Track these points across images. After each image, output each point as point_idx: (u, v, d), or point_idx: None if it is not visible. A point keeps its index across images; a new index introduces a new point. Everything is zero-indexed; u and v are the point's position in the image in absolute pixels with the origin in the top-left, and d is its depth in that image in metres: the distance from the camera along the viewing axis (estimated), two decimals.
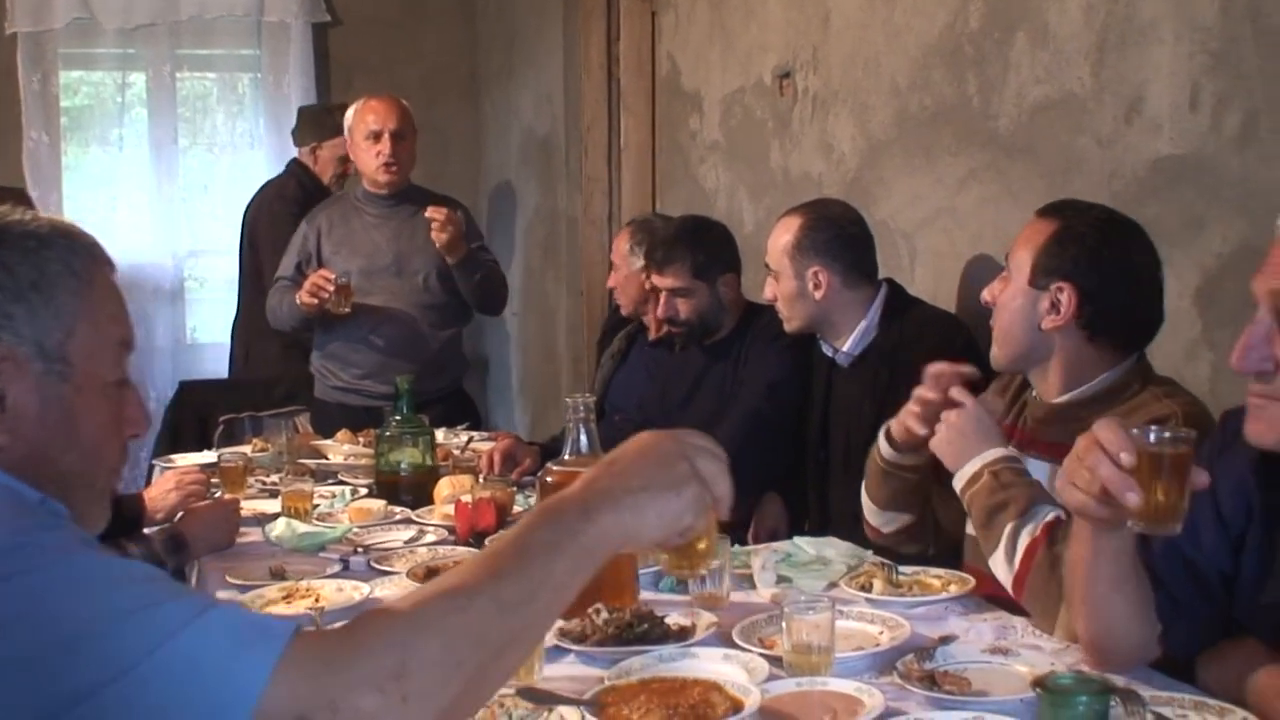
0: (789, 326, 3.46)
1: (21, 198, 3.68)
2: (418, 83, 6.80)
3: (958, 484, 2.45)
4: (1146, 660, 1.99)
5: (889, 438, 2.72)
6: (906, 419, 2.62)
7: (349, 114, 4.95)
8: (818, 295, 3.35)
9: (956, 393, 2.50)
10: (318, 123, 5.81)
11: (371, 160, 4.79)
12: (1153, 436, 1.75)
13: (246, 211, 5.86)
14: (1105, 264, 2.50)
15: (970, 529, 2.52)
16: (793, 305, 3.41)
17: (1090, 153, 3.09)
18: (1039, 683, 0.99)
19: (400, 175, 4.84)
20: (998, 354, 2.61)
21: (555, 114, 6.32)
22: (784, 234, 3.41)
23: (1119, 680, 1.90)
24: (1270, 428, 1.79)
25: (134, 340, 1.51)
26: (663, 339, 4.24)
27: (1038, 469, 2.51)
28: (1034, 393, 2.62)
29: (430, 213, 4.66)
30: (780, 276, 3.41)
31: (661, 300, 3.81)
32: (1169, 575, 1.95)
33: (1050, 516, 2.29)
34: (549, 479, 2.39)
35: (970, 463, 2.42)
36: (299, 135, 5.86)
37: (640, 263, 4.14)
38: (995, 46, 3.39)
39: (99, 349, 1.44)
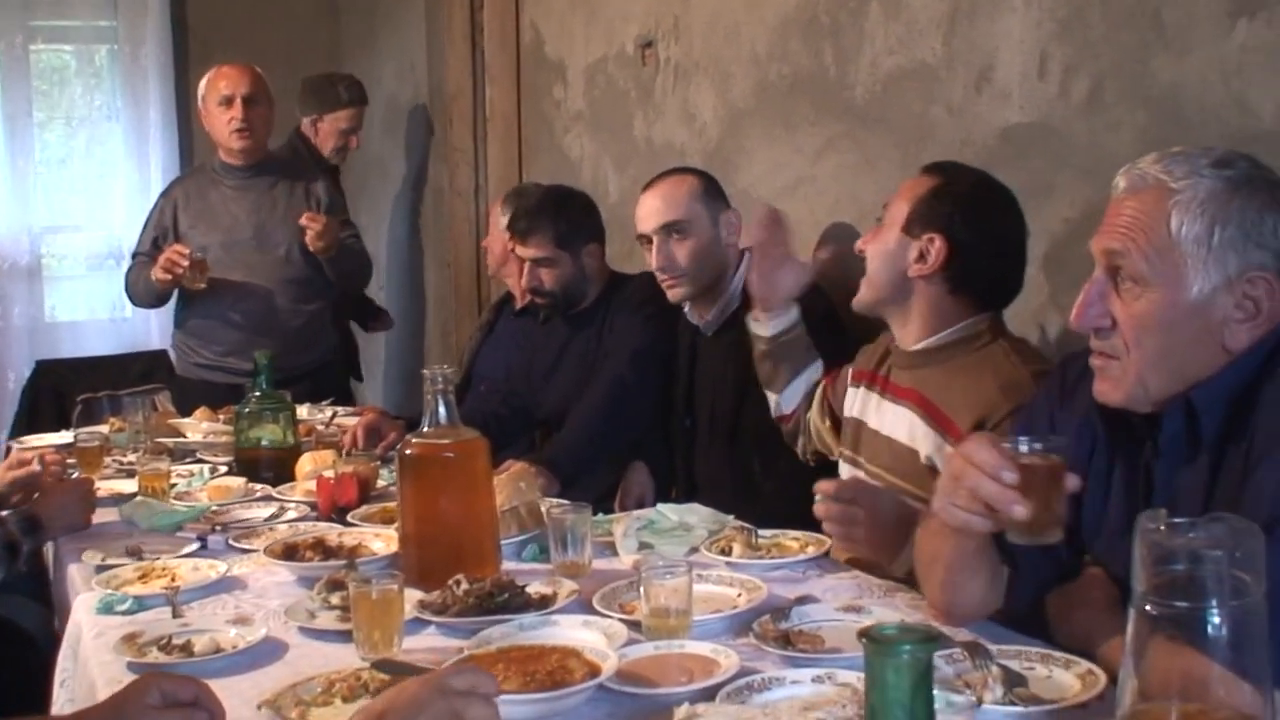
0: (688, 289, 3.40)
1: None
2: (278, 52, 6.67)
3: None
4: (990, 613, 2.06)
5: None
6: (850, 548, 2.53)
7: (203, 82, 4.85)
8: (731, 240, 3.40)
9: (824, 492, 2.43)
10: (320, 93, 5.64)
11: (224, 126, 4.70)
12: (1024, 447, 1.77)
13: None
14: (977, 223, 2.59)
15: None
16: (704, 258, 3.37)
17: (942, 121, 3.15)
18: (865, 634, 1.02)
19: (254, 142, 4.74)
20: (863, 294, 2.68)
21: (419, 83, 6.26)
22: (680, 186, 3.42)
23: (966, 634, 1.96)
24: (1115, 386, 1.84)
25: None
26: (527, 308, 4.24)
27: (897, 413, 2.61)
28: (895, 341, 2.70)
29: (305, 221, 4.63)
30: (692, 226, 3.36)
31: (525, 270, 3.80)
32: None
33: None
34: (408, 451, 2.39)
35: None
36: (301, 105, 5.65)
37: (504, 221, 4.14)
38: (850, 17, 3.44)
39: None
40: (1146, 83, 2.71)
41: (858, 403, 2.79)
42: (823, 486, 2.37)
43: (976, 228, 2.58)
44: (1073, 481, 1.79)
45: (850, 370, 2.87)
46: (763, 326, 3.04)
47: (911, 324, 2.63)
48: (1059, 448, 1.79)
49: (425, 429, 2.37)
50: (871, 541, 2.33)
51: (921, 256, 2.58)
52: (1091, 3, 2.79)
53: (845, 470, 2.77)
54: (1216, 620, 1.32)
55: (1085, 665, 1.82)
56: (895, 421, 2.63)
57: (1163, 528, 1.38)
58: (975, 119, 3.06)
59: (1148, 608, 1.36)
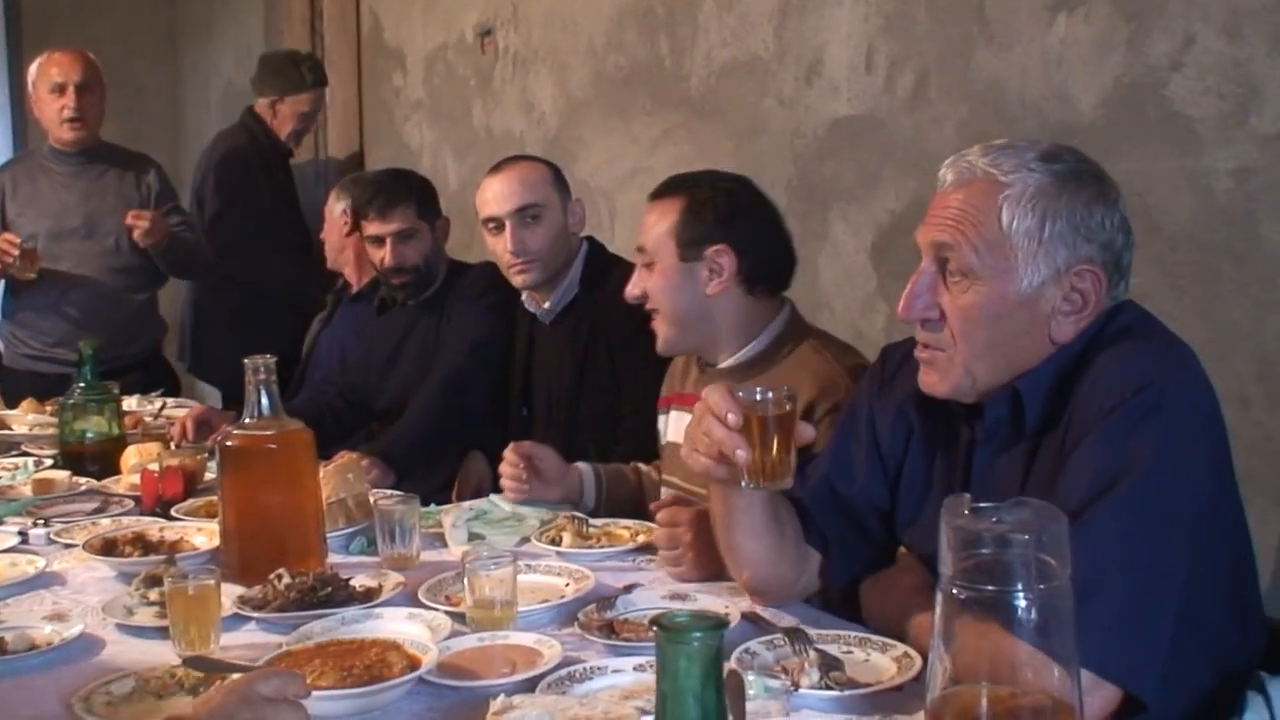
0: (539, 274, 3.35)
1: None
2: (113, 37, 6.52)
3: None
4: (807, 593, 2.09)
5: None
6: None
7: (33, 68, 4.70)
8: (576, 226, 3.36)
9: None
10: (282, 74, 5.35)
11: (55, 114, 4.57)
12: (758, 397, 1.82)
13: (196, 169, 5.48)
14: (743, 216, 2.58)
15: None
16: (556, 244, 3.33)
17: (774, 113, 3.19)
18: (655, 621, 1.02)
19: (87, 131, 4.61)
20: (668, 336, 2.61)
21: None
22: (533, 171, 3.35)
23: (787, 619, 1.99)
24: (942, 377, 1.86)
25: None
26: (362, 294, 4.20)
27: None
28: (703, 360, 2.68)
29: (130, 220, 4.51)
30: (546, 212, 3.30)
31: (389, 248, 3.73)
32: (820, 514, 2.04)
33: None
34: (229, 443, 2.34)
35: None
36: (258, 86, 5.40)
37: (340, 207, 4.09)
38: (685, 9, 3.46)
39: None
40: (969, 77, 2.78)
41: (670, 427, 2.78)
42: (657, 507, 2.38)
43: (746, 221, 2.58)
44: (806, 432, 1.84)
45: (659, 401, 2.86)
46: None
47: (721, 342, 2.60)
48: (790, 398, 1.83)
49: (247, 420, 2.33)
50: (703, 565, 2.25)
51: (713, 273, 2.54)
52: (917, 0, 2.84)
53: (667, 495, 2.73)
54: (1023, 603, 1.34)
55: (901, 649, 1.85)
56: None
57: (967, 512, 1.40)
58: (806, 111, 3.10)
59: (955, 591, 1.38)
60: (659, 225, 2.56)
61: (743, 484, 1.85)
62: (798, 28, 3.12)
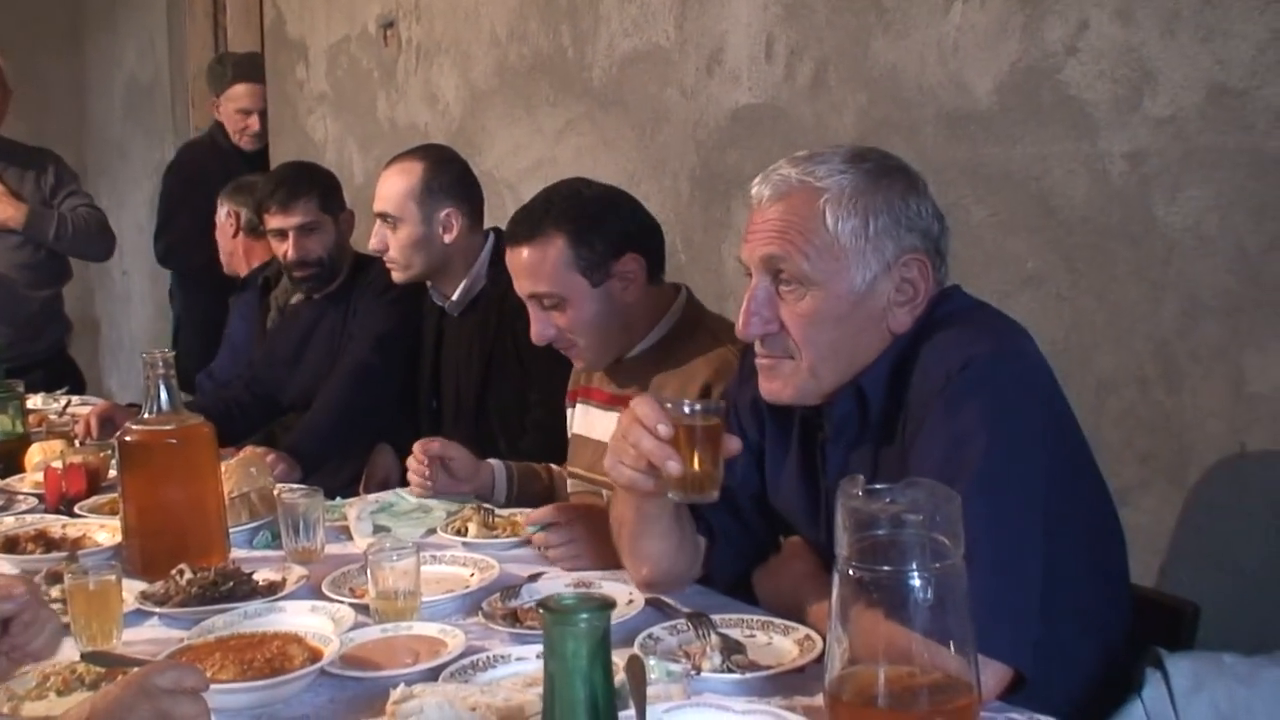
0: (403, 275, 3.36)
1: None
2: (15, 31, 6.41)
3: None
4: (690, 581, 2.11)
5: None
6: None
7: None
8: (447, 238, 3.29)
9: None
10: (212, 74, 5.35)
11: None
12: (686, 409, 1.83)
13: None
14: (623, 217, 2.58)
15: None
16: (414, 251, 3.30)
17: (676, 103, 3.21)
18: (543, 604, 1.03)
19: None
20: (596, 356, 2.60)
21: (159, 62, 6.09)
22: (403, 178, 3.30)
23: (691, 606, 2.01)
24: (785, 384, 1.88)
25: None
26: (260, 288, 4.18)
27: (611, 418, 2.61)
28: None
29: None
30: (401, 222, 3.30)
31: (291, 240, 3.70)
32: (703, 506, 2.04)
33: None
34: (129, 439, 2.32)
35: None
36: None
37: (224, 210, 4.06)
38: None
39: None
40: (868, 64, 2.81)
41: (577, 420, 2.79)
42: (534, 518, 2.37)
43: (628, 221, 2.58)
44: (733, 444, 1.85)
45: (567, 395, 2.86)
46: None
47: (631, 336, 2.60)
48: (718, 410, 1.84)
49: (146, 415, 2.31)
50: (599, 556, 2.27)
51: (626, 282, 2.54)
52: None
53: (574, 486, 2.77)
54: (918, 583, 1.37)
55: (804, 631, 1.87)
56: (614, 426, 2.63)
57: (861, 493, 1.42)
58: (708, 100, 3.12)
59: (851, 572, 1.40)
60: (548, 264, 2.50)
61: (669, 495, 1.86)
62: (698, 17, 3.13)
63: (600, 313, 2.53)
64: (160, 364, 2.30)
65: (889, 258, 1.81)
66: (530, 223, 2.54)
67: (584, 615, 1.00)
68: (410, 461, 2.75)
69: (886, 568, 1.38)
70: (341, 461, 3.53)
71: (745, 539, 2.06)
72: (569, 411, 2.82)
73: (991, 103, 2.64)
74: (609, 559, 2.21)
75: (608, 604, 1.03)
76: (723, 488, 1.94)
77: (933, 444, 1.70)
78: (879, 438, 1.84)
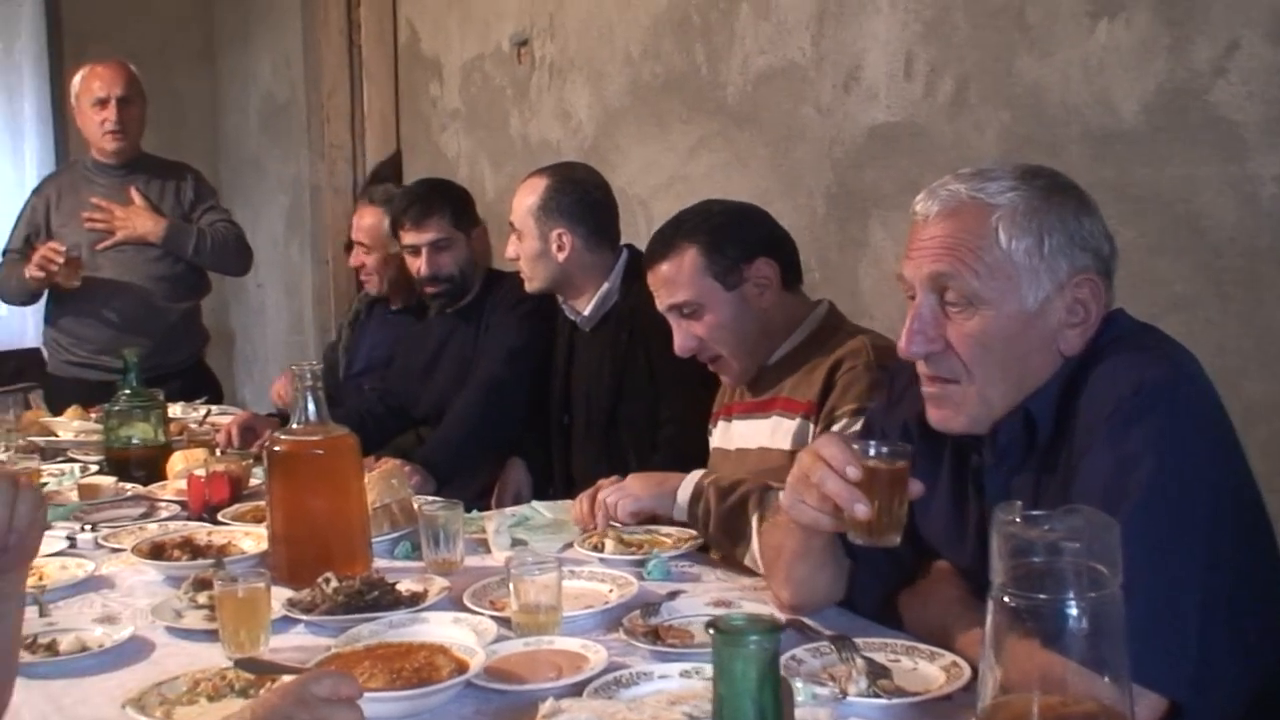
0: (530, 286, 3.47)
1: None
2: (152, 48, 6.57)
3: (683, 500, 2.50)
4: (833, 603, 2.09)
5: None
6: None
7: (75, 80, 4.76)
8: (560, 257, 3.36)
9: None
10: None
11: (97, 127, 4.62)
12: (872, 451, 1.80)
13: None
14: (751, 223, 2.65)
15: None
16: (535, 265, 3.41)
17: (812, 121, 3.20)
18: (712, 625, 1.03)
19: (127, 142, 4.66)
20: (742, 367, 2.64)
21: (295, 80, 6.20)
22: (529, 194, 3.40)
23: (833, 628, 1.99)
24: (957, 411, 1.84)
25: None
26: (406, 309, 4.24)
27: (753, 425, 2.64)
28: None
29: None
30: (524, 236, 3.40)
31: (424, 257, 3.76)
32: None
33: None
34: (277, 449, 2.37)
35: (681, 488, 2.52)
36: None
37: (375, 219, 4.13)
38: (721, 16, 3.47)
39: None
40: (1010, 82, 2.78)
41: (717, 435, 2.81)
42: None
43: (757, 226, 2.65)
44: (916, 488, 1.81)
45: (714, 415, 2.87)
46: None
47: (772, 343, 2.64)
48: (905, 454, 1.81)
49: (294, 425, 2.35)
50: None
51: (760, 286, 2.59)
52: (956, 5, 2.85)
53: None
54: (1074, 612, 1.33)
55: (950, 657, 1.84)
56: (752, 433, 2.65)
57: (1019, 520, 1.40)
58: (844, 118, 3.11)
59: (1006, 599, 1.38)
60: (683, 273, 2.59)
61: (850, 537, 1.84)
62: (835, 34, 3.12)
63: (737, 317, 2.58)
64: (308, 376, 2.34)
65: (1062, 278, 1.77)
66: (663, 241, 2.64)
67: (754, 637, 1.00)
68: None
69: (1042, 595, 1.35)
70: (473, 474, 3.57)
71: (889, 563, 2.03)
72: (713, 430, 2.82)
73: (1138, 123, 2.59)
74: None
75: (777, 626, 1.02)
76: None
77: (1097, 469, 1.67)
78: (1042, 463, 1.80)
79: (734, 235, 2.60)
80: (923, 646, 1.90)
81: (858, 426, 2.32)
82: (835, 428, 2.42)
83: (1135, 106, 2.59)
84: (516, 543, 2.61)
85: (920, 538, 2.01)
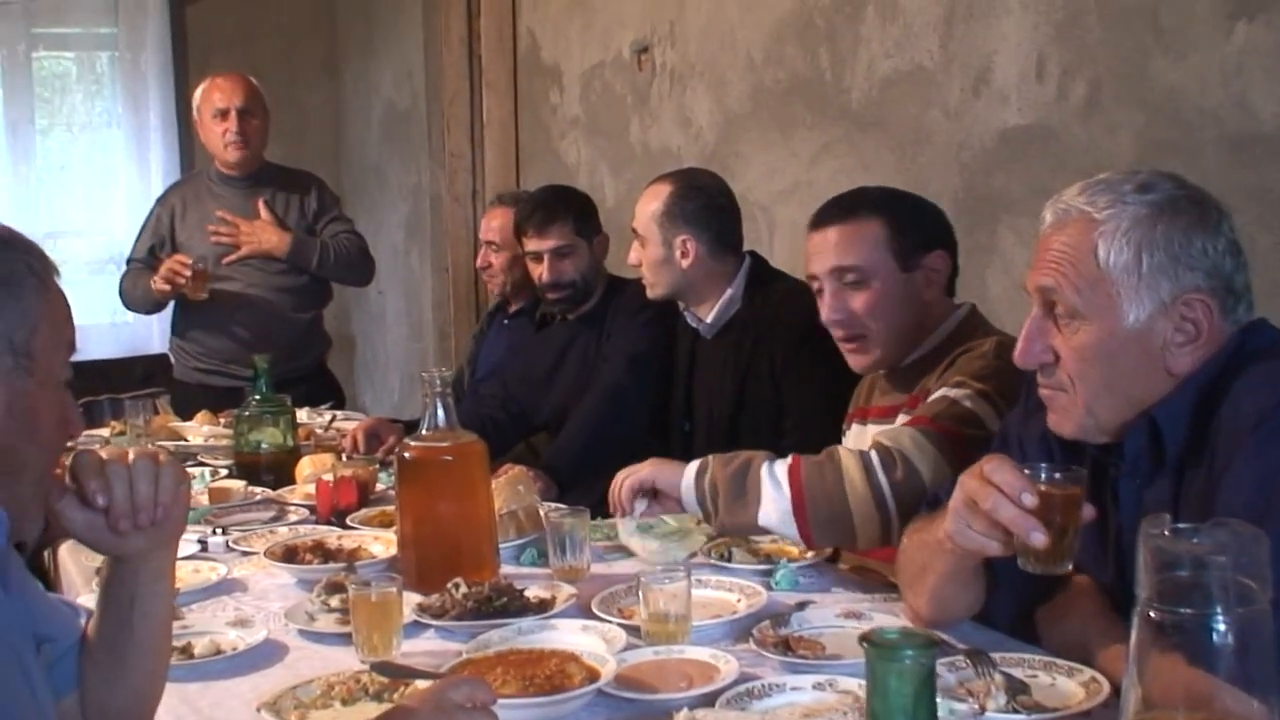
0: (652, 293, 3.46)
1: None
2: (275, 59, 6.70)
3: (689, 481, 2.48)
4: (970, 616, 2.05)
5: None
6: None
7: (197, 92, 4.84)
8: (684, 264, 3.35)
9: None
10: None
11: (219, 139, 4.69)
12: (1044, 475, 1.76)
13: None
14: (934, 217, 2.62)
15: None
16: (658, 271, 3.40)
17: (939, 125, 3.16)
18: (866, 638, 1.01)
19: (249, 153, 4.71)
20: (880, 355, 2.57)
21: (416, 89, 6.27)
22: (653, 200, 3.40)
23: (969, 642, 1.95)
24: (1064, 418, 1.85)
25: (75, 344, 1.51)
26: (523, 310, 4.26)
27: (887, 427, 2.58)
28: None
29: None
30: (647, 242, 3.39)
31: (546, 263, 3.78)
32: None
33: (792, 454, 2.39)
34: (406, 454, 2.39)
35: (688, 466, 2.51)
36: None
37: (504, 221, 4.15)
38: (846, 21, 3.44)
39: (55, 348, 1.46)
40: (1145, 85, 2.72)
41: (851, 440, 2.74)
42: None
43: (940, 221, 2.63)
44: (1089, 512, 1.77)
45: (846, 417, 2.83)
46: None
47: (917, 337, 2.58)
48: (1079, 478, 1.76)
49: (423, 432, 2.37)
50: None
51: (930, 279, 2.56)
52: (1088, 6, 2.79)
53: None
54: (1222, 627, 1.30)
55: (1088, 673, 1.80)
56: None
57: (1167, 533, 1.37)
58: (973, 121, 3.06)
59: (1151, 614, 1.34)
60: (863, 239, 2.52)
61: (1019, 564, 1.79)
62: (964, 37, 3.08)
63: (901, 299, 2.53)
64: (438, 383, 2.36)
65: (1164, 297, 1.75)
66: (843, 207, 2.59)
67: (909, 652, 0.98)
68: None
69: (1188, 610, 1.31)
70: (594, 481, 3.57)
71: (1027, 579, 1.99)
72: (847, 432, 2.79)
73: (1278, 127, 2.52)
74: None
75: (932, 641, 1.00)
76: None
77: (1242, 482, 1.63)
78: (1178, 475, 1.76)
79: (920, 221, 2.57)
80: (1061, 662, 1.86)
81: (955, 393, 2.34)
82: (934, 395, 2.40)
83: (1275, 109, 2.51)
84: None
85: None
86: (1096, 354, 1.78)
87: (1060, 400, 1.84)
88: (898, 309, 2.53)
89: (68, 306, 1.50)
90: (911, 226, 2.56)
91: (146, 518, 1.52)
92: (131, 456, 1.52)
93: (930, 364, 2.53)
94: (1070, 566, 1.78)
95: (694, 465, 2.49)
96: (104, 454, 1.52)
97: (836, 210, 2.59)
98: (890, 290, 2.53)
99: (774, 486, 2.36)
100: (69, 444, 1.58)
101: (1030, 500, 1.72)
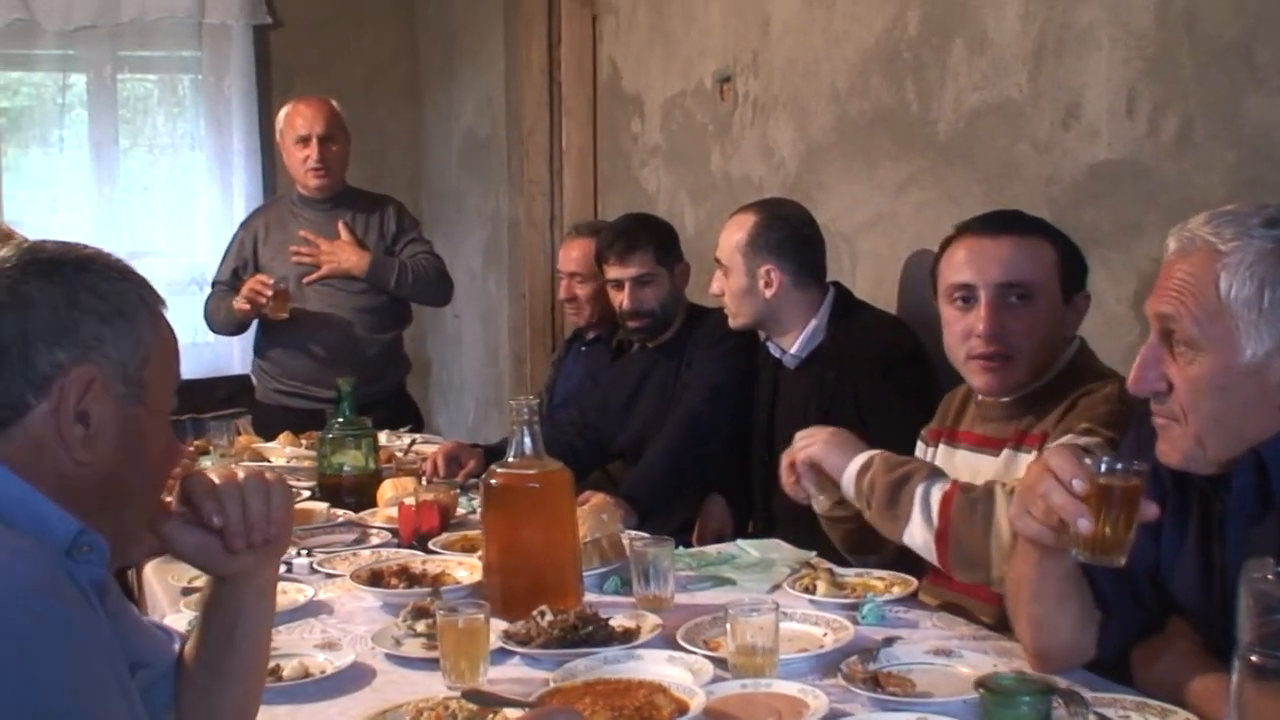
0: (735, 323, 3.46)
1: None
2: (358, 84, 6.77)
3: (851, 473, 2.48)
4: (1085, 660, 2.02)
5: None
6: (790, 490, 2.68)
7: (280, 117, 4.90)
8: (767, 294, 3.35)
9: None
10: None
11: (300, 164, 4.75)
12: (1104, 467, 1.76)
13: None
14: (1079, 252, 2.59)
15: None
16: (741, 301, 3.41)
17: (1028, 158, 3.13)
18: (982, 683, 1.01)
19: (330, 179, 4.77)
20: (1019, 378, 2.52)
21: (496, 117, 6.31)
22: (737, 230, 3.41)
23: (1061, 682, 1.93)
24: (1173, 448, 1.83)
25: (180, 375, 1.55)
26: (600, 338, 4.27)
27: (982, 460, 2.57)
28: (978, 396, 2.63)
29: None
30: (730, 272, 3.40)
31: (627, 292, 3.80)
32: (1100, 577, 1.96)
33: (952, 481, 2.36)
34: (493, 481, 2.40)
35: (857, 457, 2.49)
36: None
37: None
38: (933, 52, 3.43)
39: (164, 379, 1.49)
40: (1238, 122, 2.68)
41: (939, 458, 2.71)
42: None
43: (1084, 266, 2.59)
44: (1150, 510, 1.77)
45: (923, 432, 2.81)
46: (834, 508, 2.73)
47: (1039, 370, 2.53)
48: (1140, 472, 1.77)
49: (510, 459, 2.38)
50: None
51: (1077, 317, 2.55)
52: (1181, 42, 2.76)
53: None
54: None
55: (1182, 715, 1.79)
56: (984, 467, 2.54)
57: (1270, 577, 1.35)
58: (1063, 156, 3.04)
59: (1253, 658, 1.34)
60: (1039, 258, 2.50)
61: (1072, 554, 1.79)
62: (1054, 71, 3.05)
63: (1054, 327, 2.51)
64: (525, 409, 2.37)
65: None
66: (1007, 221, 2.57)
67: (1025, 698, 0.97)
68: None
69: None
70: (672, 509, 3.57)
71: (1137, 615, 1.97)
72: (925, 450, 2.76)
73: None
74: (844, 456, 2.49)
75: (1048, 688, 0.99)
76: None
77: None
78: None
79: (1078, 256, 2.57)
80: (1153, 703, 1.84)
81: (1085, 440, 2.28)
82: (1060, 443, 2.36)
83: None
84: (723, 582, 2.60)
85: (1167, 590, 1.95)
86: (1210, 386, 1.76)
87: (1172, 431, 1.82)
88: (1045, 334, 2.50)
89: (175, 339, 1.53)
90: (1074, 258, 2.55)
91: (260, 536, 1.55)
92: (241, 476, 1.55)
93: (1041, 400, 2.49)
94: (1123, 561, 1.77)
95: (861, 459, 2.48)
96: (214, 475, 1.55)
97: (1003, 224, 2.55)
98: (1049, 316, 2.50)
99: (924, 511, 2.34)
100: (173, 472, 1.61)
101: (1080, 486, 1.73)
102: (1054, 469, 1.76)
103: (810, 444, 2.57)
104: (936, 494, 2.34)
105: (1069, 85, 3.02)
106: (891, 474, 2.41)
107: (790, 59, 4.10)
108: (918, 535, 2.36)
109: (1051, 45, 3.06)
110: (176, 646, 1.69)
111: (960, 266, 2.53)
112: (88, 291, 1.42)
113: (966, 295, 2.52)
